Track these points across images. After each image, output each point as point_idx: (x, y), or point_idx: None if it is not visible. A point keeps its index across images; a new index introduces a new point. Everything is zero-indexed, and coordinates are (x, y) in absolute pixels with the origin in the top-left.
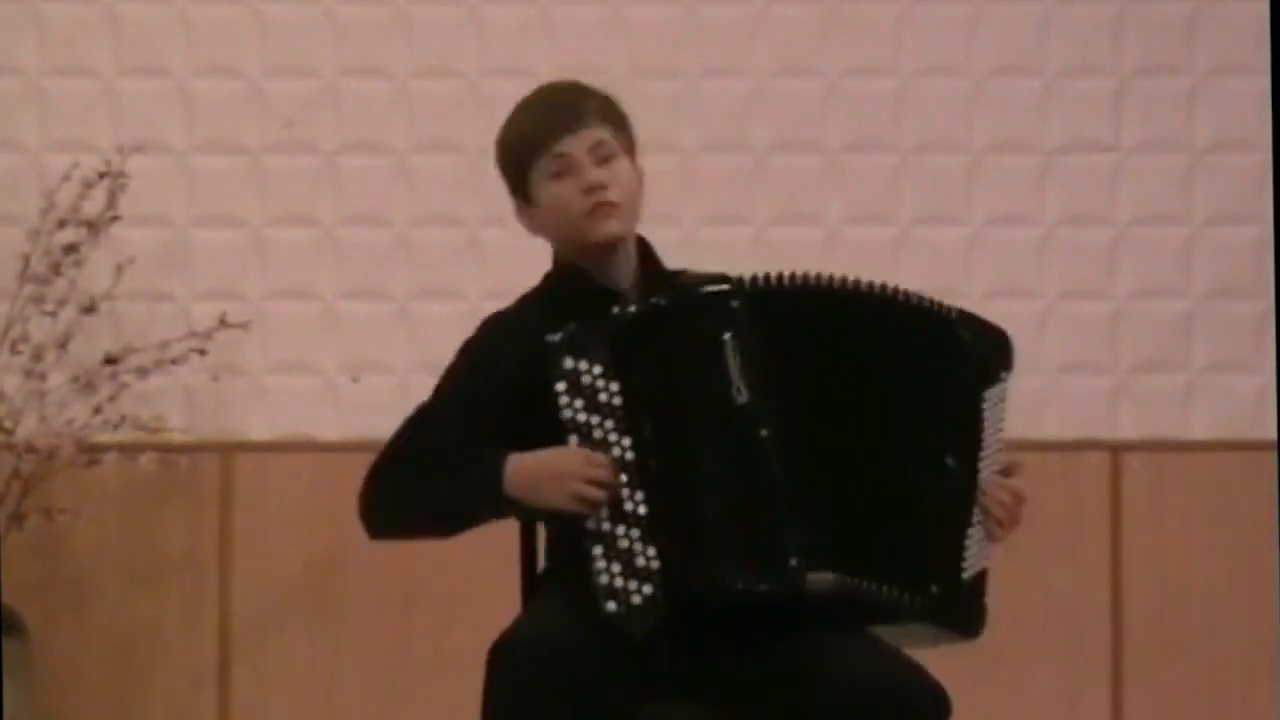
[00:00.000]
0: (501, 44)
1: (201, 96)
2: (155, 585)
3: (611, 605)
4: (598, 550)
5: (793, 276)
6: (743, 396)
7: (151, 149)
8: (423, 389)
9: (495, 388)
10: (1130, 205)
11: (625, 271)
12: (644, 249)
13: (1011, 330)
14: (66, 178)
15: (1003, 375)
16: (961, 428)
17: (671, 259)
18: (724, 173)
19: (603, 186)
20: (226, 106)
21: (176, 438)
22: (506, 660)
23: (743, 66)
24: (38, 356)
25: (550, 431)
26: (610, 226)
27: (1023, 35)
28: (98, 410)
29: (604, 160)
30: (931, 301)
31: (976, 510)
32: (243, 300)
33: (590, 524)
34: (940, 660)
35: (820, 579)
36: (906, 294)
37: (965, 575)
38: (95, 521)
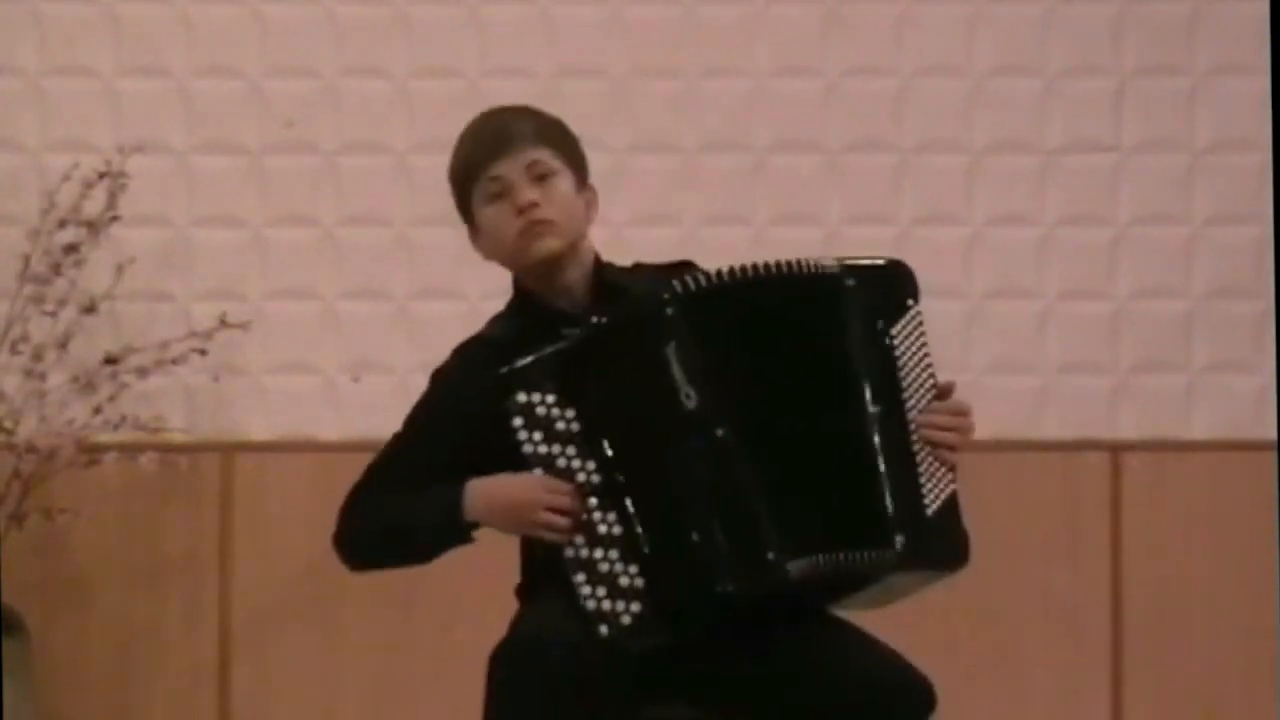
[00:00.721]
0: (501, 44)
1: (201, 96)
2: (155, 585)
3: (603, 629)
4: (580, 577)
5: (719, 274)
6: (692, 402)
7: (152, 149)
8: (422, 388)
9: (462, 422)
10: (1130, 205)
11: (578, 287)
12: (596, 265)
13: (1012, 330)
14: (67, 178)
15: (909, 304)
16: (875, 372)
17: (671, 259)
18: (724, 173)
19: (535, 205)
20: (227, 106)
21: (177, 438)
22: (508, 664)
23: (743, 66)
24: (38, 356)
25: (517, 463)
26: (546, 244)
27: (1023, 35)
28: (98, 410)
29: (540, 179)
30: (811, 262)
31: (918, 444)
32: (243, 300)
33: (569, 552)
34: (940, 660)
35: (797, 565)
36: (794, 264)
37: (930, 510)
38: (95, 521)
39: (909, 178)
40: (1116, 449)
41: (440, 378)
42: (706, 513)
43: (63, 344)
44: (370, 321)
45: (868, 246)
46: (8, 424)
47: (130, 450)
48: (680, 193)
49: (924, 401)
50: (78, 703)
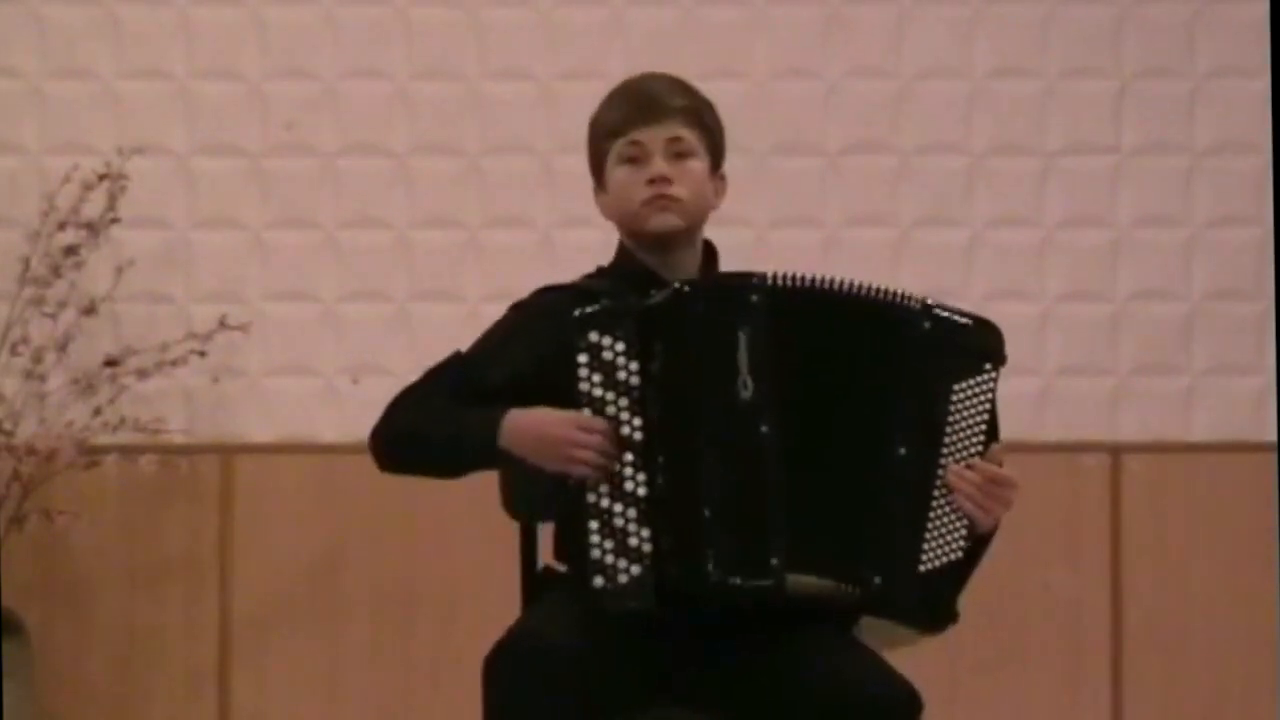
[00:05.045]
0: (501, 46)
1: (201, 99)
2: (155, 587)
3: (599, 580)
4: (593, 525)
5: (813, 278)
6: (749, 391)
7: (151, 151)
8: None
9: (527, 353)
10: (1130, 207)
11: (685, 269)
12: (709, 253)
13: (1012, 332)
14: (66, 180)
15: (985, 367)
16: (917, 419)
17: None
18: None
19: (667, 180)
20: (226, 109)
21: (176, 439)
22: (505, 665)
23: (743, 68)
24: (38, 358)
25: (569, 402)
26: (666, 220)
27: (1023, 37)
28: (98, 412)
29: (677, 157)
30: (901, 296)
31: (939, 500)
32: (243, 302)
33: (590, 497)
34: (940, 659)
35: (795, 578)
36: (881, 290)
37: (924, 568)
38: (95, 523)
39: (909, 180)
40: (1117, 450)
41: (518, 308)
42: (727, 502)
43: (62, 346)
44: (370, 324)
45: (868, 249)
46: (7, 426)
47: (130, 452)
48: None
49: (962, 460)
50: (77, 704)
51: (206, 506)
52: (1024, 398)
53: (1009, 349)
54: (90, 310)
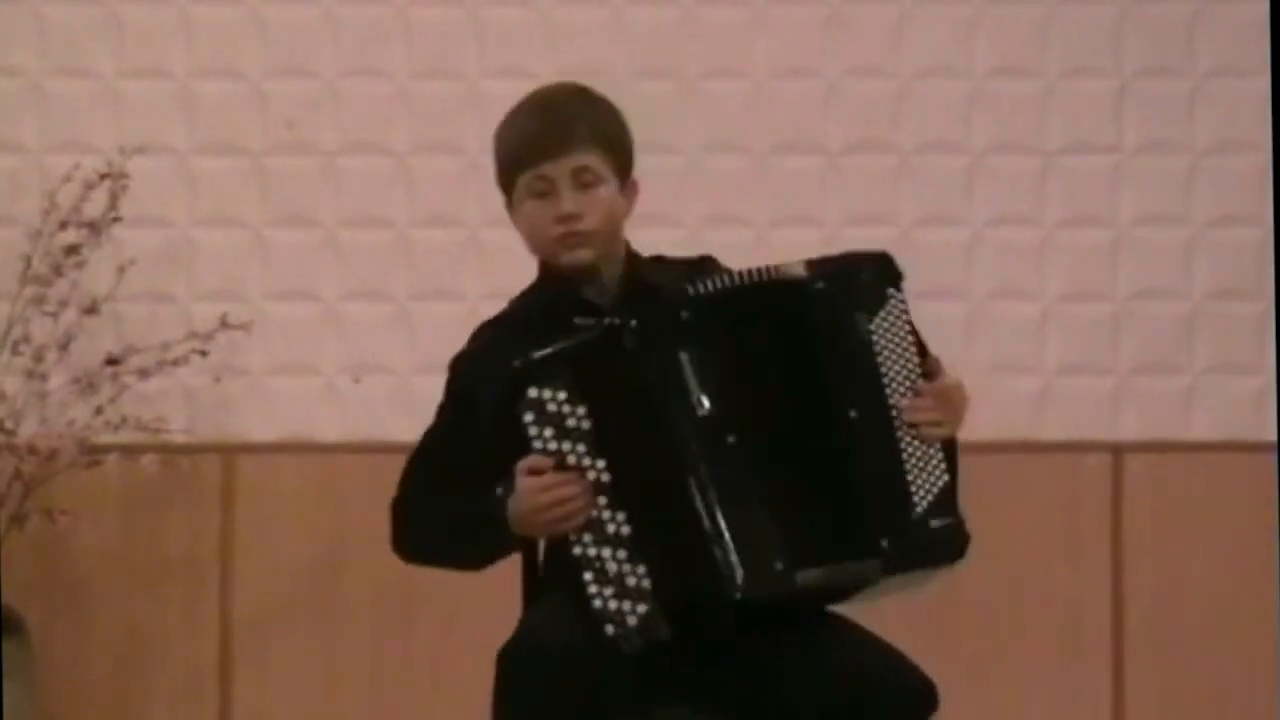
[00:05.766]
0: (501, 45)
1: (202, 98)
2: (156, 586)
3: (609, 629)
4: (588, 575)
5: (733, 277)
6: (704, 408)
7: (152, 150)
8: (424, 390)
9: (481, 412)
10: (1131, 207)
11: (608, 280)
12: (629, 254)
13: (1012, 332)
14: (68, 179)
15: (889, 293)
16: (854, 373)
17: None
18: (724, 174)
19: (576, 217)
20: (227, 108)
21: (178, 439)
22: (515, 666)
23: (743, 67)
24: (39, 357)
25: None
26: (579, 256)
27: (1023, 36)
28: (99, 411)
29: (585, 186)
30: (780, 269)
31: (904, 439)
32: (244, 301)
33: (576, 550)
34: (940, 659)
35: (804, 575)
36: (768, 270)
37: (919, 509)
38: (96, 523)
39: (909, 179)
40: (1117, 450)
41: (458, 363)
42: (715, 519)
43: (64, 345)
44: (371, 323)
45: (867, 248)
46: (9, 425)
47: (131, 451)
48: (681, 194)
49: (909, 390)
50: (78, 703)
51: (207, 506)
52: (1024, 397)
53: (1008, 347)
54: (91, 309)
